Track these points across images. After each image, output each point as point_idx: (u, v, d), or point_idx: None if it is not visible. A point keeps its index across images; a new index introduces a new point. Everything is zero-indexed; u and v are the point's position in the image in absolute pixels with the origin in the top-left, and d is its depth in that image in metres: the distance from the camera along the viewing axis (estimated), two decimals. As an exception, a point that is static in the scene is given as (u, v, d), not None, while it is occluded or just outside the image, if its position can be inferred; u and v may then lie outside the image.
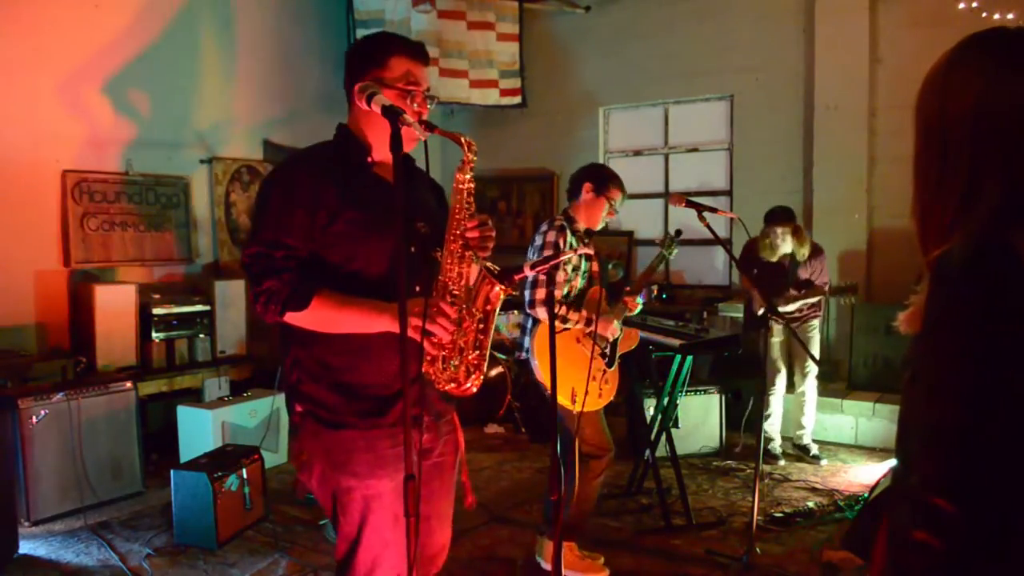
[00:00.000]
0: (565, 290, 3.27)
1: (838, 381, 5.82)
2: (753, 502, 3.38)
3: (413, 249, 1.88)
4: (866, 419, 5.40)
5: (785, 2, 6.32)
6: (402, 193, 1.60)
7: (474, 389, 1.83)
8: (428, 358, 1.79)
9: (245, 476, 3.88)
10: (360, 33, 6.47)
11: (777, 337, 5.00)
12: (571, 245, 3.24)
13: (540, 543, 3.49)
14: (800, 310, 4.91)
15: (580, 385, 3.07)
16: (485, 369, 1.83)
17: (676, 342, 4.08)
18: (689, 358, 4.21)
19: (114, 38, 5.20)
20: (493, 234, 1.84)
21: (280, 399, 4.88)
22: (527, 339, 3.34)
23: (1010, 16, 5.17)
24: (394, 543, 1.87)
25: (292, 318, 1.81)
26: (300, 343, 1.88)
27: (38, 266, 4.83)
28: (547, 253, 3.18)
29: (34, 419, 4.00)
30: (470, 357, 1.80)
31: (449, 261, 1.80)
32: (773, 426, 5.12)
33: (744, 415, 5.35)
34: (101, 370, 4.66)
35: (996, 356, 0.98)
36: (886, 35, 5.93)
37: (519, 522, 4.08)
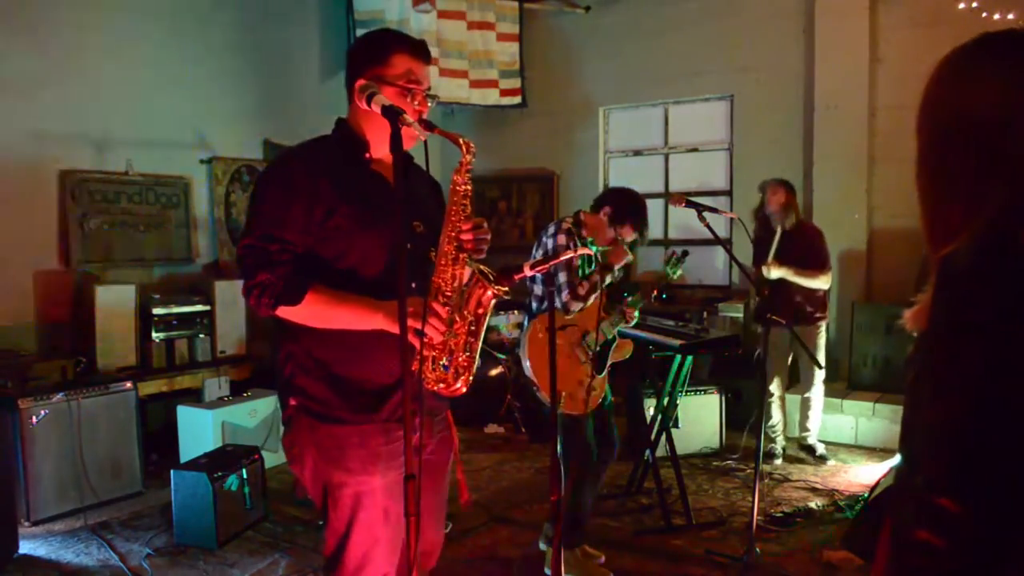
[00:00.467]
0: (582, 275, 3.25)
1: (838, 381, 5.81)
2: (753, 502, 3.38)
3: (409, 247, 1.88)
4: (866, 419, 5.40)
5: (785, 2, 6.32)
6: (402, 194, 1.60)
7: (463, 390, 1.83)
8: (418, 357, 1.78)
9: (245, 476, 3.89)
10: (360, 33, 6.47)
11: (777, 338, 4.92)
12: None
13: (548, 553, 3.46)
14: (805, 307, 4.83)
15: (567, 388, 3.09)
16: (474, 371, 1.83)
17: (676, 342, 4.08)
18: (689, 358, 4.21)
19: (114, 37, 5.20)
20: (488, 237, 1.84)
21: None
22: (522, 337, 3.34)
23: (1010, 16, 5.17)
24: (384, 540, 1.87)
25: (284, 312, 1.81)
26: (293, 337, 1.87)
27: (38, 266, 4.83)
28: (563, 256, 3.20)
29: (34, 419, 4.00)
30: (460, 359, 1.80)
31: (443, 262, 1.80)
32: (777, 432, 5.09)
33: (750, 420, 5.25)
34: (101, 370, 4.66)
35: (1002, 356, 0.98)
36: (886, 35, 5.93)
37: (519, 522, 4.08)
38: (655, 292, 3.48)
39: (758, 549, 3.43)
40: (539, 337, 3.22)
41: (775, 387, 5.04)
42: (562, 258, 2.32)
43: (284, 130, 6.20)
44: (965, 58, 1.13)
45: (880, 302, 5.75)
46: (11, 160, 4.67)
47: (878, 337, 5.60)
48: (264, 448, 4.37)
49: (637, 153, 7.32)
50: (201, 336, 5.24)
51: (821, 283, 4.81)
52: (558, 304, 3.17)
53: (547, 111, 7.41)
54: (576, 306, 3.19)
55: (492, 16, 7.12)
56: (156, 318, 4.99)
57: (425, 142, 1.79)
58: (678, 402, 4.45)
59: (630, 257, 3.35)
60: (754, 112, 6.55)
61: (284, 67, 6.40)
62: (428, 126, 1.76)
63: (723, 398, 5.24)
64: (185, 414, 4.72)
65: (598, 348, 3.31)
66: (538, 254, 3.30)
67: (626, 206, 3.34)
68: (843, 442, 5.35)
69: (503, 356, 5.93)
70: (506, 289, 1.79)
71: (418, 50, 1.93)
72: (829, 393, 5.40)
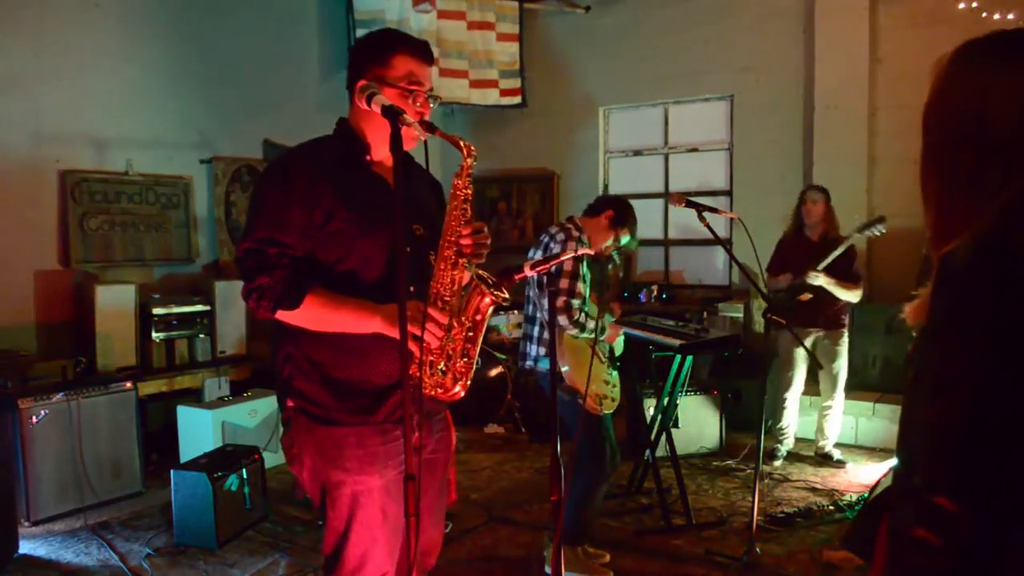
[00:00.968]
0: (578, 301, 3.28)
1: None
2: (753, 502, 3.38)
3: (408, 250, 1.87)
4: (866, 419, 5.40)
5: (785, 2, 6.32)
6: (401, 196, 1.60)
7: (461, 395, 1.83)
8: (416, 362, 1.78)
9: (245, 476, 3.88)
10: (360, 33, 6.47)
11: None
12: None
13: (549, 550, 3.47)
14: (828, 314, 4.80)
15: (598, 389, 3.24)
16: (471, 376, 1.83)
17: (676, 342, 4.08)
18: (689, 358, 4.21)
19: (114, 37, 5.20)
20: (488, 242, 1.83)
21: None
22: (535, 347, 3.37)
23: (1010, 16, 5.17)
24: (382, 539, 1.87)
25: (284, 316, 1.81)
26: (292, 339, 1.88)
27: (38, 266, 4.83)
28: (567, 268, 3.23)
29: (34, 419, 4.00)
30: (458, 365, 1.80)
31: (442, 267, 1.80)
32: (785, 435, 5.02)
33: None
34: (101, 370, 4.66)
35: (1000, 355, 0.98)
36: (886, 35, 5.93)
37: (519, 522, 4.08)
38: (655, 292, 3.53)
39: (758, 549, 3.43)
40: (573, 343, 3.29)
41: (792, 391, 4.99)
42: (563, 258, 2.32)
43: (284, 130, 6.19)
44: (973, 55, 1.12)
45: (880, 302, 5.75)
46: (11, 160, 4.67)
47: (878, 337, 5.60)
48: (264, 448, 4.37)
49: (637, 153, 7.32)
50: (201, 336, 5.24)
51: (855, 296, 4.77)
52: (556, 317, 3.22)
53: (547, 111, 7.41)
54: (572, 330, 3.23)
55: (492, 16, 7.12)
56: (156, 318, 4.99)
57: (425, 142, 1.79)
58: (678, 402, 4.44)
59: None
60: (754, 112, 6.55)
61: (284, 67, 6.40)
62: (429, 128, 1.75)
63: (723, 398, 5.23)
64: (185, 414, 4.72)
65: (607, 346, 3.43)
66: (538, 255, 3.31)
67: (624, 213, 3.51)
68: (843, 442, 5.34)
69: (503, 356, 5.93)
70: (505, 296, 1.78)
71: (420, 51, 1.92)
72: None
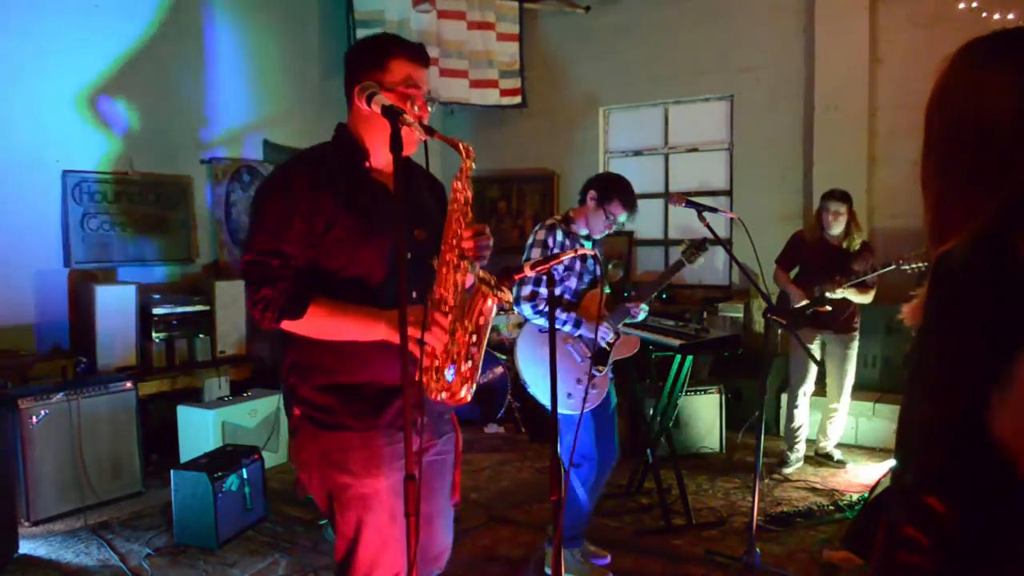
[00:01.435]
0: (558, 290, 3.25)
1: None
2: (753, 502, 3.37)
3: (410, 255, 1.87)
4: (866, 419, 5.40)
5: (785, 2, 6.32)
6: (401, 199, 1.59)
7: (468, 399, 1.83)
8: (419, 366, 1.77)
9: (245, 476, 3.88)
10: (360, 33, 6.47)
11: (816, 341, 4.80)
12: (562, 245, 3.23)
13: (547, 553, 3.46)
14: (846, 317, 4.73)
15: (565, 387, 3.09)
16: (477, 379, 1.83)
17: (676, 342, 4.08)
18: (689, 358, 4.21)
19: (114, 38, 5.20)
20: (490, 243, 1.83)
21: (281, 399, 4.88)
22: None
23: (1010, 16, 5.17)
24: (392, 542, 1.86)
25: (288, 326, 1.82)
26: (296, 346, 1.89)
27: (38, 266, 4.83)
28: (535, 252, 3.19)
29: (34, 419, 4.00)
30: (463, 368, 1.79)
31: (444, 270, 1.79)
32: (799, 438, 4.89)
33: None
34: (101, 370, 4.66)
35: (992, 355, 0.98)
36: (886, 35, 5.93)
37: (519, 522, 4.08)
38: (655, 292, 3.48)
39: (758, 549, 3.43)
40: (530, 338, 3.25)
41: (806, 389, 4.89)
42: (563, 258, 2.31)
43: (284, 130, 6.20)
44: (971, 55, 1.12)
45: (880, 303, 5.73)
46: (12, 160, 4.67)
47: (878, 337, 5.59)
48: (264, 448, 4.37)
49: (637, 153, 7.32)
50: (201, 336, 5.24)
51: (868, 298, 4.70)
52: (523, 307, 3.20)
53: (547, 111, 7.41)
54: (524, 307, 3.18)
55: (492, 16, 7.12)
56: (156, 318, 4.98)
57: (425, 144, 1.79)
58: (678, 402, 4.44)
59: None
60: (754, 112, 6.55)
61: (284, 67, 6.40)
62: (428, 131, 1.75)
63: (723, 398, 5.23)
64: (185, 414, 4.72)
65: (604, 345, 3.33)
66: (531, 254, 3.27)
67: (608, 184, 3.34)
68: (843, 442, 5.34)
69: (503, 356, 5.93)
70: (508, 297, 1.78)
71: (416, 54, 1.92)
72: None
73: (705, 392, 5.18)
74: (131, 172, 5.26)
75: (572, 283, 3.29)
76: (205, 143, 5.79)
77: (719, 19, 6.59)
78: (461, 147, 1.78)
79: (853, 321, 4.82)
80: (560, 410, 3.15)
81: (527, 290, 3.16)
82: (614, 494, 4.42)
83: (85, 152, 5.05)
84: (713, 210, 3.45)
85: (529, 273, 1.99)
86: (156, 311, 4.99)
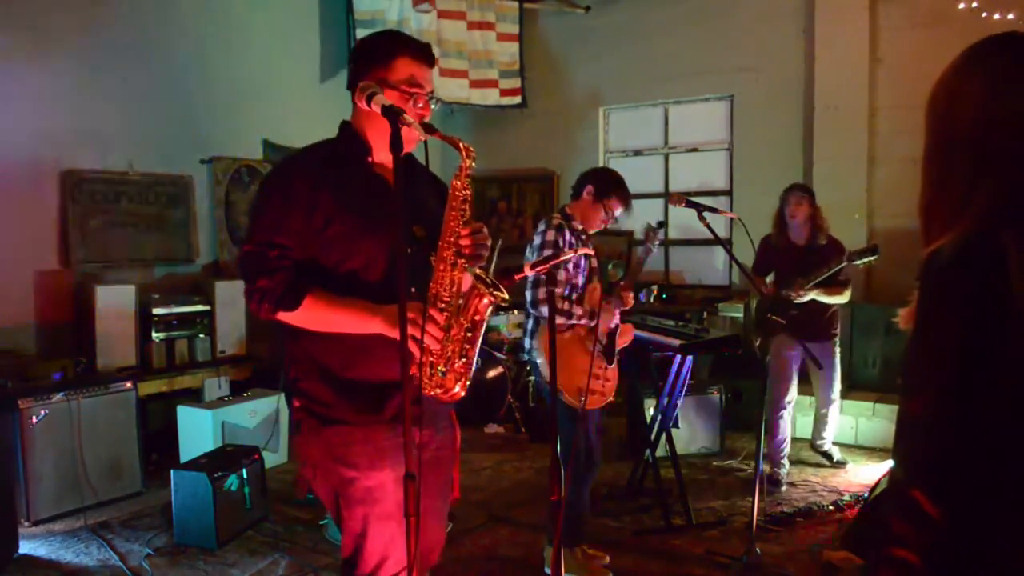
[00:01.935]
0: (567, 289, 3.27)
1: (838, 381, 5.81)
2: (753, 502, 3.38)
3: (409, 251, 1.87)
4: (866, 419, 5.40)
5: (785, 2, 6.32)
6: (401, 196, 1.59)
7: (461, 394, 1.83)
8: (416, 362, 1.78)
9: (245, 476, 3.88)
10: (360, 33, 6.47)
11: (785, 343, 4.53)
12: (570, 244, 3.23)
13: (547, 552, 3.45)
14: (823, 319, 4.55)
15: (580, 381, 3.08)
16: (471, 377, 1.83)
17: (676, 342, 4.08)
18: (689, 358, 4.21)
19: (114, 38, 5.20)
20: (488, 242, 1.84)
21: (281, 399, 4.89)
22: (529, 340, 3.34)
23: (1010, 16, 5.17)
24: (400, 536, 1.86)
25: (285, 317, 1.84)
26: (296, 339, 1.90)
27: (38, 266, 4.82)
28: (547, 252, 3.18)
29: (34, 419, 4.00)
30: (457, 365, 1.79)
31: (442, 268, 1.80)
32: (785, 453, 4.67)
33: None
34: (101, 370, 4.66)
35: (977, 352, 1.00)
36: (886, 35, 5.93)
37: (519, 522, 4.08)
38: (655, 292, 3.49)
39: (758, 549, 3.43)
40: (546, 339, 3.23)
41: (789, 399, 4.68)
42: (563, 258, 2.32)
43: (284, 130, 6.20)
44: (963, 60, 1.15)
45: (880, 302, 5.75)
46: (12, 160, 4.67)
47: (878, 337, 5.60)
48: (264, 448, 4.37)
49: (637, 153, 7.33)
50: (201, 336, 5.24)
51: (844, 298, 4.54)
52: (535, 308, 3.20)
53: (547, 111, 7.41)
54: (543, 310, 3.15)
55: (492, 16, 7.12)
56: (156, 318, 4.99)
57: (425, 143, 1.80)
58: (678, 402, 4.44)
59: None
60: (754, 112, 6.55)
61: (284, 67, 6.39)
62: (429, 129, 1.75)
63: (723, 398, 5.23)
64: (185, 414, 4.72)
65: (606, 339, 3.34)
66: (530, 253, 3.28)
67: (606, 179, 3.36)
68: (843, 442, 5.35)
69: (503, 356, 5.93)
70: (504, 296, 1.79)
71: (422, 54, 1.94)
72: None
73: (705, 392, 5.18)
74: (131, 172, 5.26)
75: (580, 281, 3.30)
76: (205, 143, 5.79)
77: (719, 19, 6.59)
78: (462, 147, 1.78)
79: (832, 327, 4.63)
80: (588, 407, 3.19)
81: (542, 292, 3.15)
82: (614, 494, 4.42)
83: (85, 152, 5.04)
84: (713, 210, 3.45)
85: (530, 273, 2.00)
86: (156, 311, 4.99)
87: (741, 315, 6.12)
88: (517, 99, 7.30)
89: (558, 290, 3.17)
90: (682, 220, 6.84)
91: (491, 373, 5.86)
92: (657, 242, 3.48)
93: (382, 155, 1.93)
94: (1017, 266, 0.98)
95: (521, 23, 7.26)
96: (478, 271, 1.80)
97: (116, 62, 5.20)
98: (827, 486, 4.58)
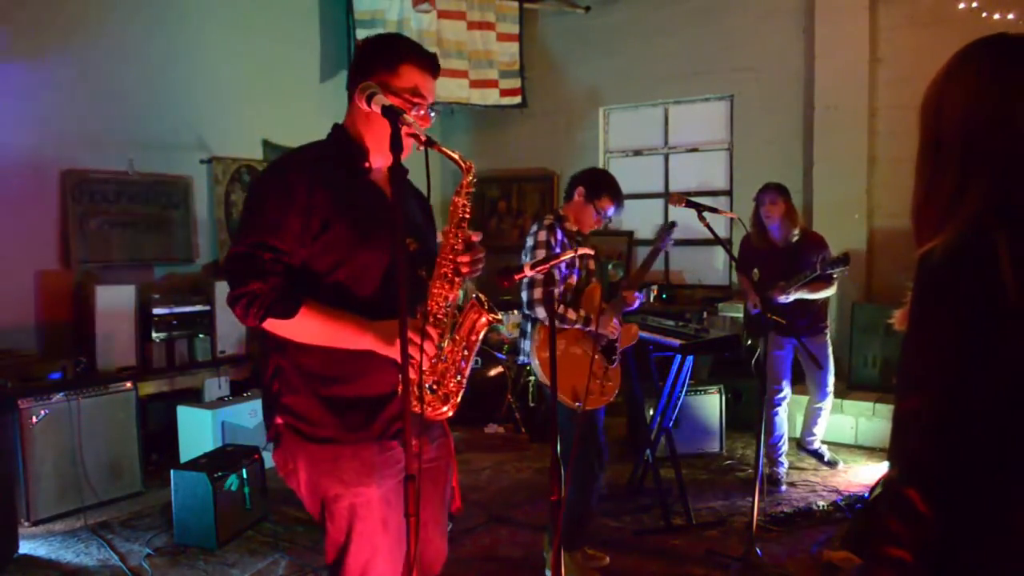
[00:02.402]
0: (560, 287, 3.26)
1: (838, 381, 5.79)
2: (753, 502, 3.38)
3: None
4: (866, 419, 5.40)
5: (785, 2, 6.32)
6: (401, 199, 1.58)
7: (449, 414, 1.82)
8: (406, 379, 1.77)
9: (245, 476, 3.89)
10: (360, 33, 6.47)
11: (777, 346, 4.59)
12: (562, 244, 3.23)
13: (547, 554, 3.44)
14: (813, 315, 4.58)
15: (582, 384, 3.07)
16: (460, 396, 1.82)
17: (676, 342, 4.08)
18: (689, 358, 4.21)
19: (114, 37, 5.20)
20: (482, 255, 1.83)
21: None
22: (525, 342, 3.34)
23: (1010, 16, 5.17)
24: (384, 548, 1.84)
25: (272, 326, 1.76)
26: (281, 351, 1.83)
27: (38, 266, 4.82)
28: (539, 253, 3.18)
29: (34, 419, 4.00)
30: (450, 384, 1.78)
31: (438, 284, 1.78)
32: (782, 452, 4.67)
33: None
34: (101, 370, 4.66)
35: (971, 352, 1.00)
36: (886, 35, 5.93)
37: (519, 522, 4.08)
38: (656, 292, 3.49)
39: (758, 549, 3.43)
40: (542, 340, 3.23)
41: (782, 401, 4.68)
42: (563, 258, 2.31)
43: (284, 130, 6.19)
44: (953, 62, 1.16)
45: (880, 302, 5.75)
46: (12, 160, 4.67)
47: (878, 337, 5.60)
48: (264, 448, 4.36)
49: (637, 153, 7.33)
50: (201, 336, 5.23)
51: (829, 292, 4.53)
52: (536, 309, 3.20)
53: (547, 111, 7.41)
54: (539, 311, 3.16)
55: (492, 16, 7.12)
56: (156, 318, 4.98)
57: (425, 153, 1.77)
58: (678, 402, 4.44)
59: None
60: (754, 112, 6.55)
61: (284, 67, 6.39)
62: (429, 142, 1.69)
63: (723, 398, 5.23)
64: (185, 414, 4.72)
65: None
66: (524, 255, 3.28)
67: (596, 180, 3.36)
68: (843, 442, 5.35)
69: (503, 356, 5.93)
70: (500, 317, 1.79)
71: (429, 64, 1.89)
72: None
73: (705, 392, 5.18)
74: (131, 172, 5.26)
75: (574, 280, 3.31)
76: (205, 143, 5.79)
77: (719, 19, 6.59)
78: (462, 162, 1.76)
79: (821, 323, 4.65)
80: (590, 408, 3.20)
81: (538, 292, 3.14)
82: (614, 494, 4.42)
83: (85, 152, 5.04)
84: (713, 210, 3.45)
85: (529, 273, 1.99)
86: (156, 311, 4.99)
87: (741, 315, 6.11)
88: (517, 99, 7.30)
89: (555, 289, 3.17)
90: (682, 220, 6.79)
91: (491, 373, 5.87)
92: (671, 241, 3.53)
93: (377, 160, 1.89)
94: (1009, 266, 0.98)
95: (521, 23, 7.26)
96: (478, 293, 1.80)
97: (116, 62, 5.21)
98: (827, 486, 4.58)
